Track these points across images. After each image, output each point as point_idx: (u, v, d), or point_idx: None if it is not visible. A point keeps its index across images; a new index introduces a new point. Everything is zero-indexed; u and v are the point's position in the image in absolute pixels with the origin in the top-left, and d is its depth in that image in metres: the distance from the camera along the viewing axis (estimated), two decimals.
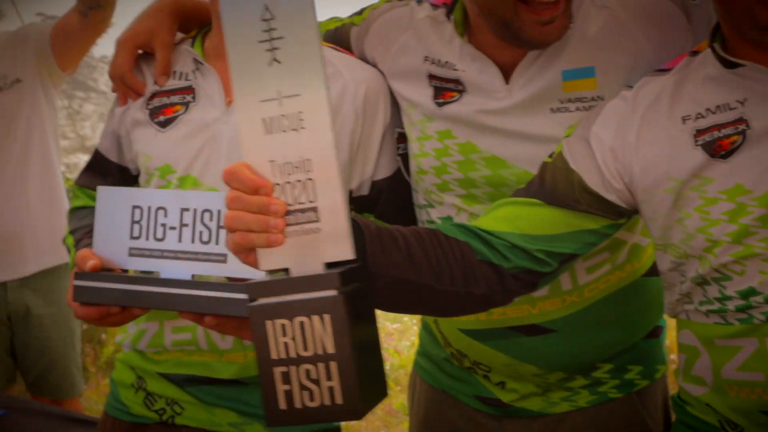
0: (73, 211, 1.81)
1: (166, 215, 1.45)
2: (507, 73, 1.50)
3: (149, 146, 1.66)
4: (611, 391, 1.63)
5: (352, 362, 1.04)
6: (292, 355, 1.06)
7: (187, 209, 1.44)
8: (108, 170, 1.77)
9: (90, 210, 1.75)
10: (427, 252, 1.26)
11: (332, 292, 1.05)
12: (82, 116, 4.83)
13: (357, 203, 1.67)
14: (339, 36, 1.75)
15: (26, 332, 2.90)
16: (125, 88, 1.71)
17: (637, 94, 1.35)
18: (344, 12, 1.82)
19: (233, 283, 1.39)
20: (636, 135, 1.32)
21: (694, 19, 1.46)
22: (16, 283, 2.86)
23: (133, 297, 1.43)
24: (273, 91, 1.09)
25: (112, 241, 1.47)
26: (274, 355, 1.06)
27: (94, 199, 1.76)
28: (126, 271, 1.48)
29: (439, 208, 1.60)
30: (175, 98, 1.67)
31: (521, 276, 1.33)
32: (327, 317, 1.05)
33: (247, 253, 1.11)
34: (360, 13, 1.75)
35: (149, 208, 1.46)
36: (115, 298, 1.44)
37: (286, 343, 1.06)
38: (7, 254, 2.83)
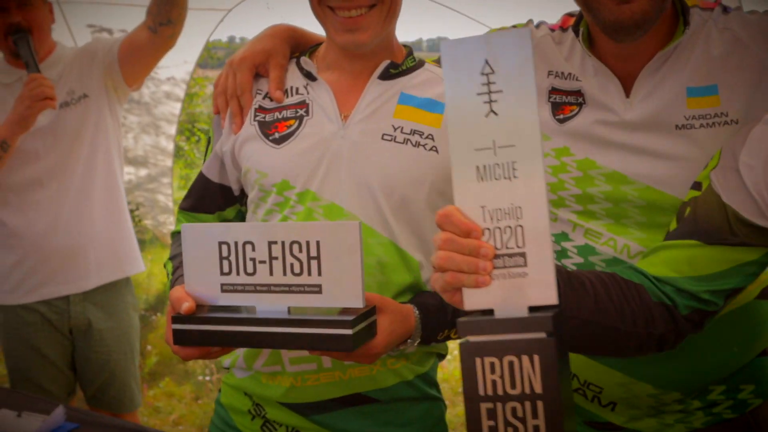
0: (174, 236, 1.82)
1: (254, 249, 1.44)
2: (628, 88, 1.53)
3: (263, 163, 1.65)
4: (725, 412, 1.62)
5: (559, 402, 1.07)
6: (500, 392, 1.10)
7: (274, 242, 1.42)
8: (206, 190, 1.78)
9: None
10: (610, 295, 1.32)
11: (543, 335, 1.09)
12: (126, 128, 4.90)
13: None
14: None
15: (87, 346, 2.92)
16: (237, 108, 1.71)
17: None
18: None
19: (332, 318, 1.39)
20: None
21: None
22: (79, 297, 2.87)
23: (233, 337, 1.43)
24: (489, 141, 1.15)
25: (204, 278, 1.46)
26: (481, 392, 1.10)
27: (194, 222, 1.78)
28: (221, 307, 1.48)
29: (553, 225, 1.60)
30: (288, 113, 1.68)
31: (691, 317, 1.37)
32: (536, 358, 1.09)
33: (453, 292, 1.17)
34: None
35: (236, 243, 1.44)
36: (214, 340, 1.44)
37: (494, 381, 1.10)
38: (70, 268, 2.85)
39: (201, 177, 1.80)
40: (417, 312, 1.55)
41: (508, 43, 1.14)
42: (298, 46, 1.79)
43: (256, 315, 1.43)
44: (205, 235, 1.46)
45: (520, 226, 1.14)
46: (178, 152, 7.40)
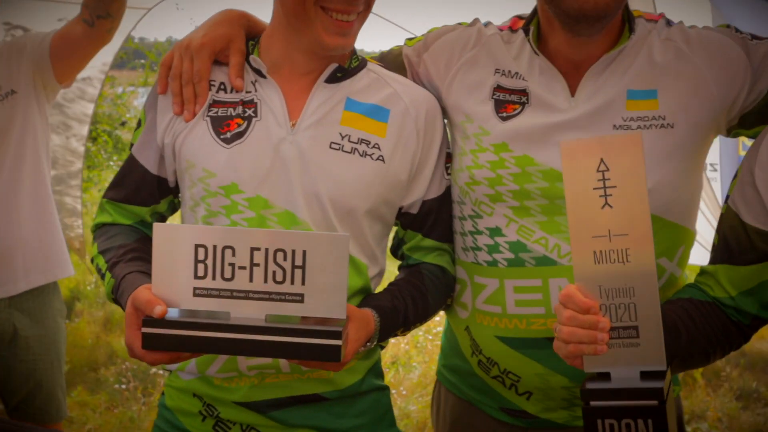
0: (101, 227, 1.73)
1: (234, 254, 1.40)
2: (573, 88, 1.62)
3: (211, 162, 1.62)
4: None
5: None
6: None
7: (257, 248, 1.40)
8: (144, 182, 1.71)
9: (121, 228, 1.71)
10: (696, 324, 1.51)
11: (655, 402, 1.31)
12: None
13: (404, 219, 1.72)
14: (387, 59, 1.80)
15: (12, 354, 2.77)
16: (192, 94, 1.66)
17: None
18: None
19: (310, 328, 1.37)
20: None
21: (752, 58, 1.58)
22: (4, 302, 2.73)
23: (207, 343, 1.38)
24: (605, 230, 1.35)
25: (174, 281, 1.41)
26: None
27: (126, 215, 1.71)
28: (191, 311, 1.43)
29: (487, 219, 1.67)
30: (238, 110, 1.64)
31: (753, 324, 1.57)
32: (650, 422, 1.31)
33: (574, 359, 1.37)
34: (411, 39, 1.83)
35: (214, 247, 1.40)
36: (186, 346, 1.39)
37: None
38: None
39: (137, 166, 1.71)
40: (376, 316, 1.57)
41: (621, 144, 1.34)
42: (249, 33, 1.74)
43: (233, 321, 1.39)
44: (181, 236, 1.41)
45: (633, 303, 1.35)
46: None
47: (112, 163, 9.38)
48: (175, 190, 1.73)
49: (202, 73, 1.66)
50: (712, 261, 1.57)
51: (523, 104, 1.65)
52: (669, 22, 1.67)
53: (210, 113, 1.65)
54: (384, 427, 1.75)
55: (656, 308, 1.35)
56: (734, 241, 1.52)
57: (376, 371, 1.75)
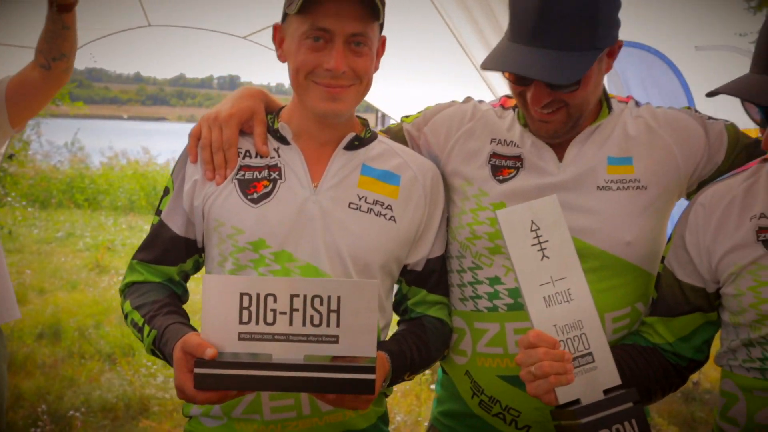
0: (131, 286, 1.86)
1: (275, 301, 1.56)
2: (560, 156, 1.89)
3: (240, 220, 1.78)
4: None
5: None
6: None
7: (297, 295, 1.56)
8: (173, 244, 1.85)
9: (152, 285, 1.84)
10: (638, 364, 1.76)
11: (631, 404, 1.58)
12: None
13: (409, 276, 1.92)
14: (390, 133, 2.03)
15: None
16: (222, 160, 1.82)
17: (711, 201, 1.72)
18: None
19: (347, 365, 1.54)
20: (714, 234, 1.69)
21: (710, 134, 1.90)
22: None
23: (253, 381, 1.53)
24: (548, 277, 1.61)
25: (221, 326, 1.56)
26: None
27: (155, 274, 1.85)
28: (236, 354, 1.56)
29: (487, 269, 1.90)
30: (263, 173, 1.82)
31: (689, 367, 1.82)
32: (634, 421, 1.56)
33: (549, 393, 1.57)
34: (407, 117, 2.07)
35: (258, 295, 1.56)
36: (236, 384, 1.53)
37: None
38: None
39: (165, 230, 1.86)
40: (388, 358, 1.75)
41: (544, 206, 1.62)
42: (267, 108, 1.93)
43: (276, 360, 1.54)
44: (228, 286, 1.57)
45: (584, 333, 1.62)
46: None
47: None
48: (201, 250, 1.88)
49: (231, 141, 1.83)
50: (652, 313, 1.83)
51: (517, 168, 1.89)
52: (638, 103, 1.96)
53: (237, 176, 1.82)
54: None
55: (602, 334, 1.62)
56: (670, 295, 1.78)
57: (385, 419, 1.93)
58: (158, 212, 1.89)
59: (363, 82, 1.79)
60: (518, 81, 1.78)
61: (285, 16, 1.80)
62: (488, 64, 1.78)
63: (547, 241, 1.61)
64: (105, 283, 7.93)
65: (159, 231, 1.87)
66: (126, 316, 1.80)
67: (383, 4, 1.74)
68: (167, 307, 1.76)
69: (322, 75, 1.73)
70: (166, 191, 1.89)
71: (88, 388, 5.01)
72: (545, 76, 1.69)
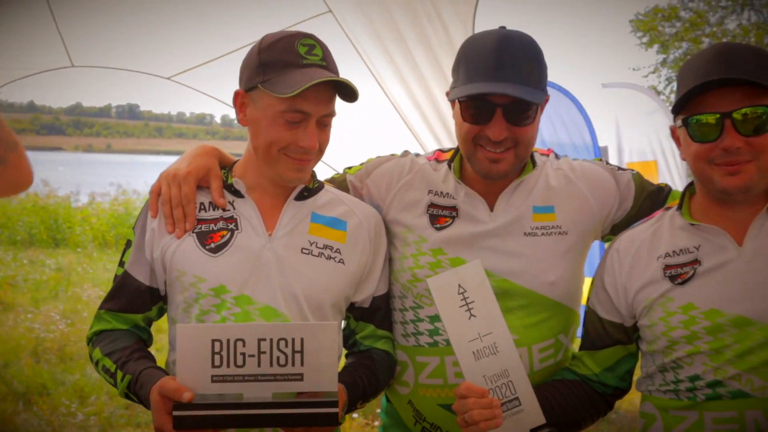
0: (100, 334, 1.97)
1: (244, 345, 1.71)
2: (491, 205, 2.10)
3: (202, 270, 1.92)
4: None
5: None
6: None
7: (264, 339, 1.71)
8: (138, 293, 1.98)
9: (120, 333, 1.97)
10: (566, 398, 2.00)
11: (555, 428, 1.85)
12: None
13: (356, 312, 2.11)
14: (335, 183, 2.22)
15: None
16: (182, 215, 1.95)
17: (624, 246, 1.98)
18: None
19: (313, 400, 1.70)
20: (628, 274, 1.94)
21: (620, 183, 2.16)
22: None
23: (228, 420, 1.67)
24: (475, 333, 1.83)
25: (196, 370, 1.69)
26: None
27: (123, 322, 1.99)
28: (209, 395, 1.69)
29: (427, 309, 2.11)
30: (220, 224, 1.97)
31: (615, 393, 2.07)
32: None
33: None
34: (350, 168, 2.27)
35: (228, 341, 1.70)
36: (212, 423, 1.67)
37: None
38: None
39: (130, 280, 1.99)
40: (345, 390, 1.92)
41: (470, 271, 1.84)
42: (221, 163, 2.09)
43: (247, 400, 1.69)
44: (200, 334, 1.71)
45: (510, 381, 1.83)
46: None
47: None
48: (164, 298, 2.01)
49: (189, 197, 1.98)
50: (580, 348, 2.08)
51: (453, 217, 2.10)
52: (557, 156, 2.20)
53: (195, 230, 1.96)
54: None
55: (526, 379, 1.83)
56: (593, 331, 2.03)
57: None
58: (121, 263, 2.02)
59: (323, 152, 1.98)
60: (478, 119, 1.95)
61: (252, 86, 1.91)
62: (459, 93, 1.94)
63: (473, 301, 1.83)
64: (11, 321, 7.72)
65: (124, 281, 1.99)
66: (96, 363, 1.91)
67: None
68: (138, 353, 1.88)
69: (295, 151, 1.90)
70: (128, 244, 2.02)
71: (3, 430, 4.92)
72: (517, 92, 1.88)
